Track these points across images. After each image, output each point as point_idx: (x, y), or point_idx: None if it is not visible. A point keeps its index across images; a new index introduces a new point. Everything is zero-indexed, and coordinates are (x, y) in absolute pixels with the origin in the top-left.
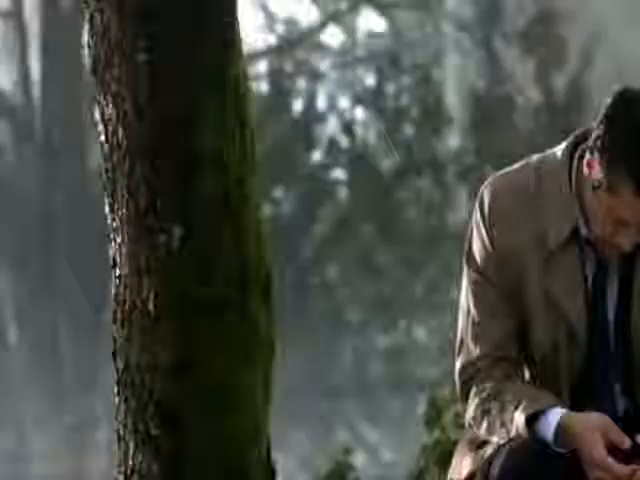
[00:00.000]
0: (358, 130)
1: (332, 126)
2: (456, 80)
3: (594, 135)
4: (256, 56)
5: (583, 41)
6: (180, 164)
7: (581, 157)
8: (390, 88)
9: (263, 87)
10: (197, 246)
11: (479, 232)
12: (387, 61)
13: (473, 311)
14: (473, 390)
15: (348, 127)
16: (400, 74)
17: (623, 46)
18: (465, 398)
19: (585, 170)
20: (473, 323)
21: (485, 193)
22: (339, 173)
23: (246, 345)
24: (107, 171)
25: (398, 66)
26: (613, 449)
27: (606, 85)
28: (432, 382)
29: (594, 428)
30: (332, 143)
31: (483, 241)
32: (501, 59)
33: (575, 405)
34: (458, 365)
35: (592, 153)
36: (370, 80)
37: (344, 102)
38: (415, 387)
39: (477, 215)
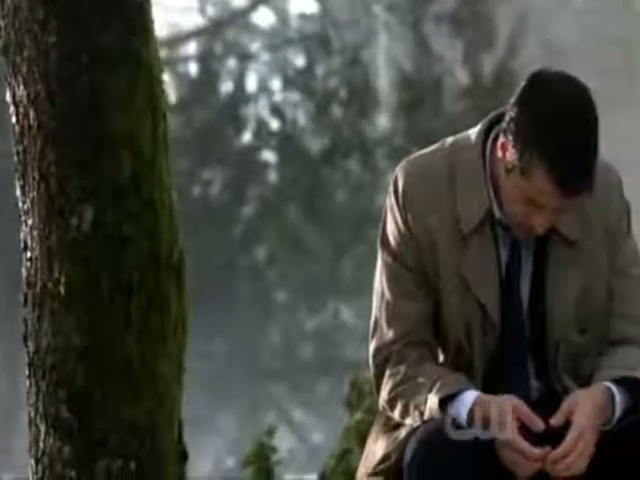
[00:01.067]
0: (288, 112)
1: (262, 108)
2: (386, 62)
3: (507, 117)
4: (186, 37)
5: (512, 23)
6: (91, 146)
7: (495, 139)
8: (320, 70)
9: (193, 68)
10: (108, 228)
11: (393, 215)
12: (317, 42)
13: (387, 294)
14: (387, 373)
15: (277, 109)
16: (330, 56)
17: (552, 28)
18: (379, 381)
19: (499, 153)
20: (387, 306)
21: (399, 176)
22: (268, 155)
23: (157, 328)
24: (18, 153)
25: (328, 48)
26: (526, 432)
27: (534, 68)
28: (360, 364)
29: (507, 411)
30: (261, 125)
31: (397, 224)
32: (430, 41)
33: (489, 388)
34: (372, 348)
35: (505, 136)
36: (300, 62)
37: (275, 84)
38: (343, 368)
39: (391, 198)
